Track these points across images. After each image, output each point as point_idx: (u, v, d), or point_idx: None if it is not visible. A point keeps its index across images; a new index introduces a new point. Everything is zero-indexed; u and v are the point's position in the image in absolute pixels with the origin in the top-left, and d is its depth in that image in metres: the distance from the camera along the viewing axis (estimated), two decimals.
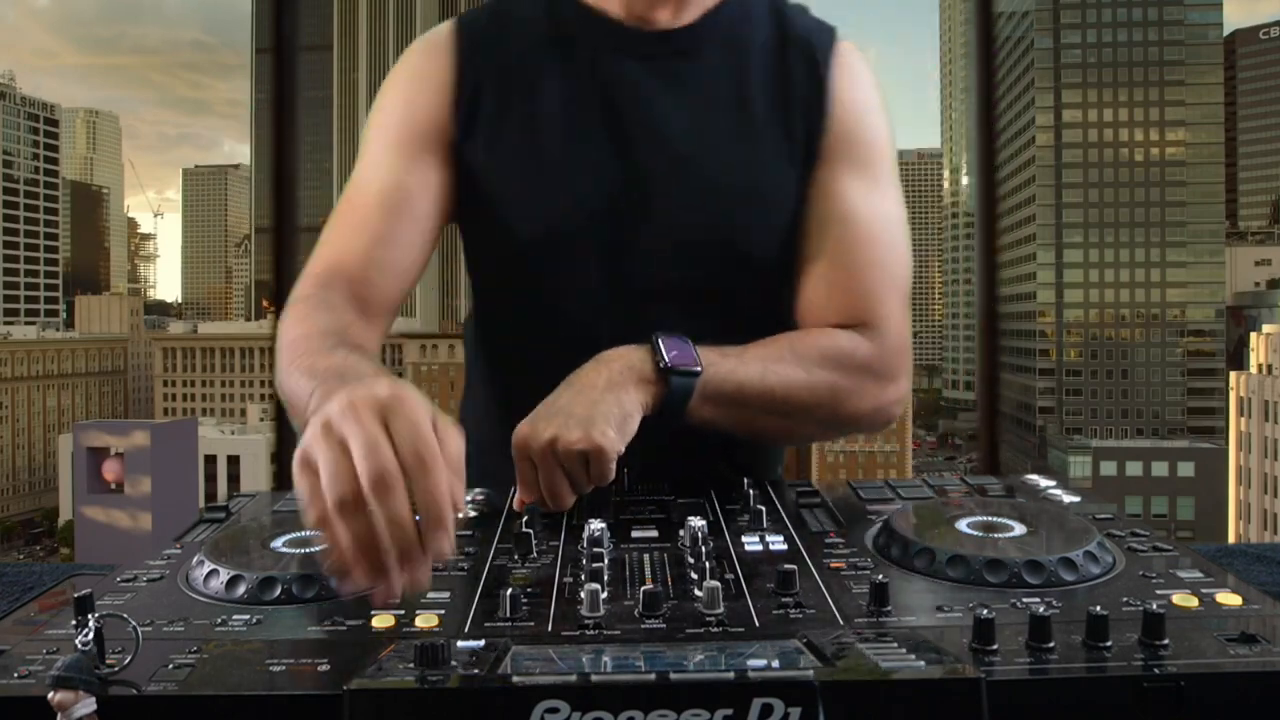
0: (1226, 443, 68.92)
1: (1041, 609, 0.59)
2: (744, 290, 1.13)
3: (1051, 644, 0.58)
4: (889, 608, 0.65)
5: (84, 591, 0.62)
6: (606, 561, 0.73)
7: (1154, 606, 0.59)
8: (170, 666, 0.57)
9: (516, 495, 0.91)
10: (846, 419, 1.09)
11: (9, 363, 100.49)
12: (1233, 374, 68.34)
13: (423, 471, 0.62)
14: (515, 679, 0.52)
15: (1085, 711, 0.55)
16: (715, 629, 0.63)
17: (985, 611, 0.59)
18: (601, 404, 0.91)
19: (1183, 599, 0.66)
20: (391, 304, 1.10)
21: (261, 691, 0.55)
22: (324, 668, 0.57)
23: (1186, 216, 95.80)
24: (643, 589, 0.66)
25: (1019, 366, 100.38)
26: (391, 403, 0.64)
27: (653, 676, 0.51)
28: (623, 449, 0.90)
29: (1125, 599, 0.66)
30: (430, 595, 0.68)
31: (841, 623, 0.64)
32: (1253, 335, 68.55)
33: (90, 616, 0.57)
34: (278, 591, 0.69)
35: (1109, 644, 0.58)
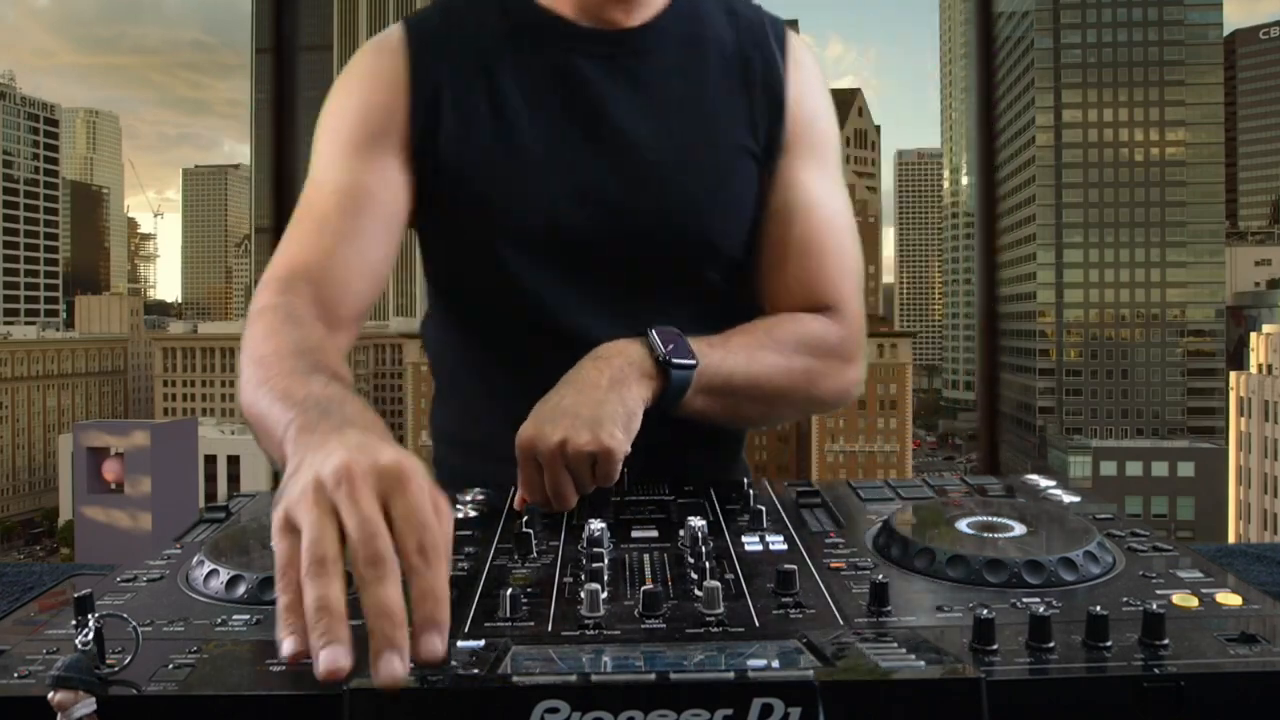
0: (1226, 443, 68.93)
1: (1041, 609, 0.59)
2: (714, 282, 1.16)
3: (1051, 644, 0.58)
4: (889, 608, 0.65)
5: (84, 591, 0.62)
6: (606, 561, 0.73)
7: (1154, 606, 0.59)
8: (170, 666, 0.57)
9: (517, 495, 0.91)
10: (817, 401, 1.13)
11: (9, 363, 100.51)
12: (1233, 374, 68.35)
13: (425, 565, 0.54)
14: (515, 679, 0.52)
15: (1085, 711, 0.55)
16: (715, 629, 0.63)
17: (985, 611, 0.59)
18: (607, 404, 0.92)
19: (1183, 599, 0.66)
20: (358, 310, 1.06)
21: (261, 691, 0.55)
22: None
23: (1186, 216, 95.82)
24: (643, 589, 0.66)
25: (1019, 366, 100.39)
26: (394, 478, 0.57)
27: (653, 676, 0.51)
28: (629, 449, 0.90)
29: (1125, 599, 0.66)
30: None
31: (841, 623, 0.64)
32: (1253, 335, 68.57)
33: (90, 616, 0.57)
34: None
35: (1109, 644, 0.58)
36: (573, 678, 0.51)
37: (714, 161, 1.12)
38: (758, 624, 0.64)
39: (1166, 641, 0.58)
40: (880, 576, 0.67)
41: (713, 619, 0.64)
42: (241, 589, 0.69)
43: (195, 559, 0.75)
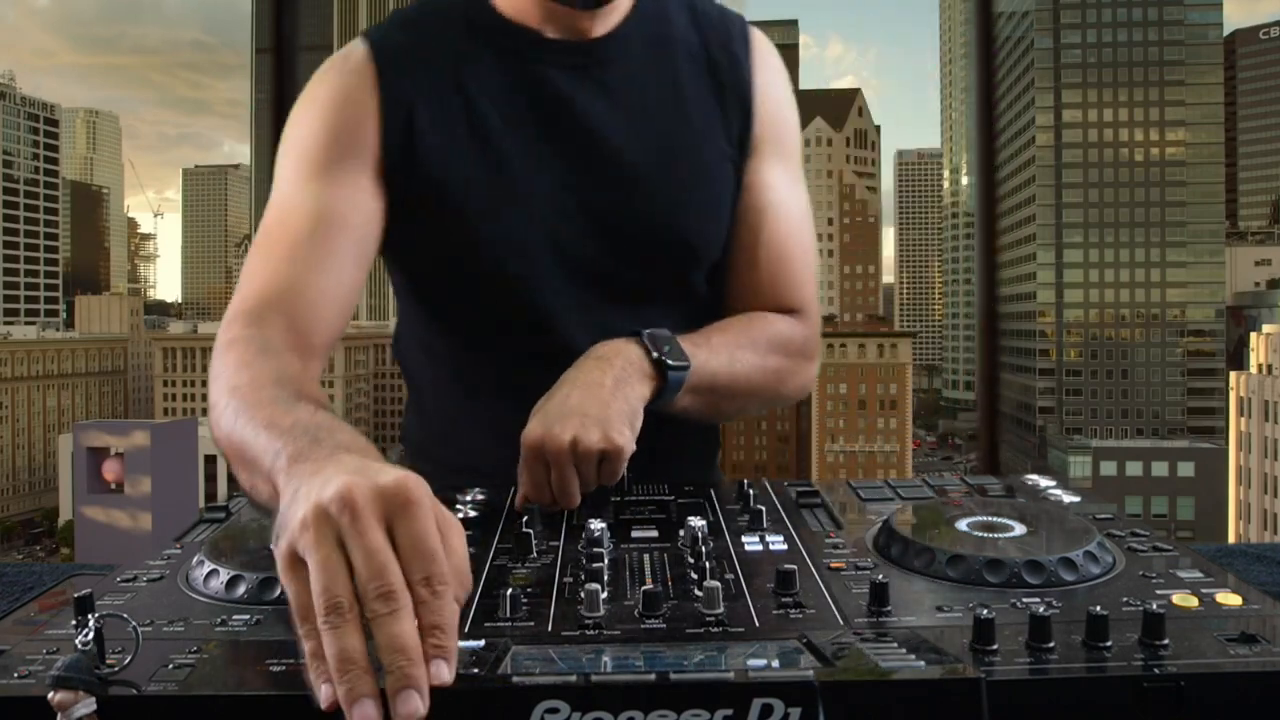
0: (1226, 443, 68.92)
1: (1041, 609, 0.59)
2: (696, 283, 1.17)
3: (1051, 644, 0.58)
4: (889, 608, 0.65)
5: (84, 591, 0.62)
6: (606, 561, 0.73)
7: (1154, 606, 0.59)
8: (170, 666, 0.57)
9: (517, 495, 0.91)
10: (783, 397, 1.18)
11: (9, 363, 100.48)
12: (1233, 374, 68.32)
13: (432, 597, 0.54)
14: (515, 679, 0.52)
15: (1085, 711, 0.55)
16: (715, 629, 0.62)
17: (985, 611, 0.59)
18: (614, 403, 0.93)
19: (1183, 599, 0.66)
20: (329, 338, 1.02)
21: (261, 691, 0.55)
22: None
23: (1186, 216, 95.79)
24: (643, 589, 0.66)
25: (1019, 366, 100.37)
26: (397, 500, 0.56)
27: (653, 676, 0.51)
28: (634, 447, 0.92)
29: (1125, 599, 0.66)
30: None
31: (841, 623, 0.64)
32: (1253, 335, 68.56)
33: (90, 616, 0.57)
34: (278, 591, 0.68)
35: (1109, 644, 0.58)
36: (573, 678, 0.51)
37: (692, 163, 1.13)
38: (758, 624, 0.64)
39: (1166, 641, 0.58)
40: (880, 576, 0.67)
41: (713, 619, 0.64)
42: (241, 589, 0.69)
43: (195, 559, 0.75)
